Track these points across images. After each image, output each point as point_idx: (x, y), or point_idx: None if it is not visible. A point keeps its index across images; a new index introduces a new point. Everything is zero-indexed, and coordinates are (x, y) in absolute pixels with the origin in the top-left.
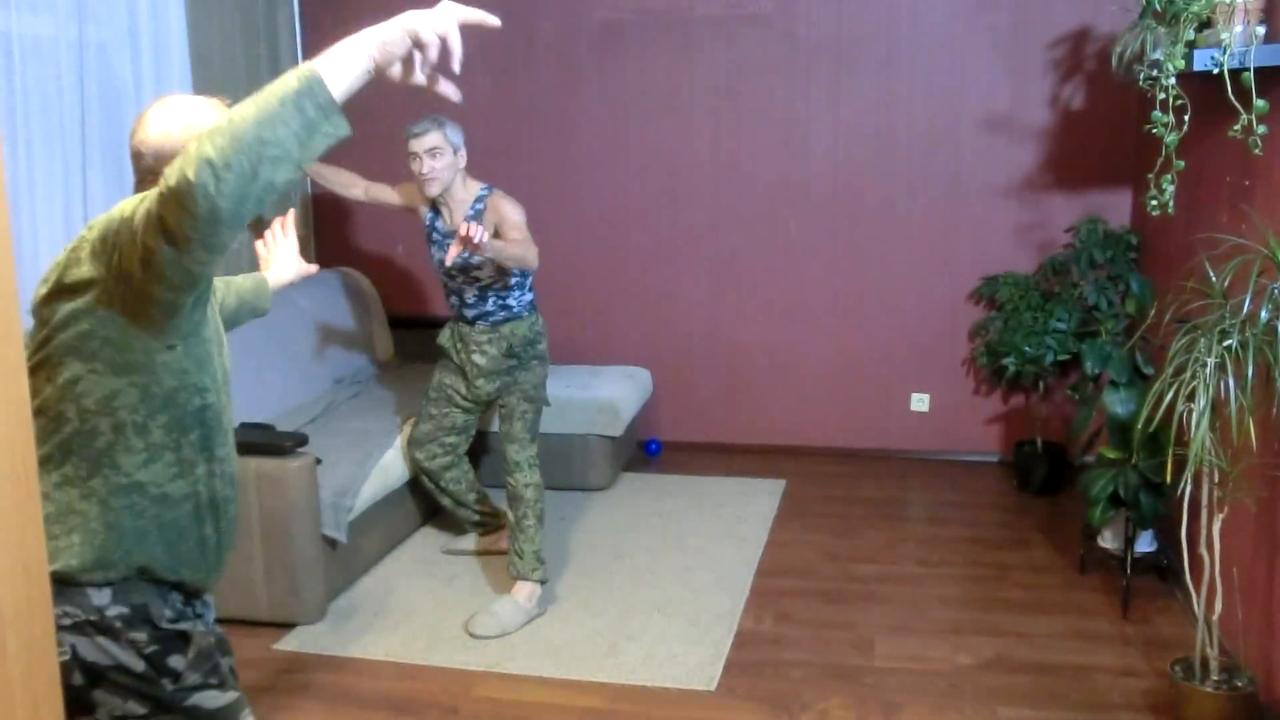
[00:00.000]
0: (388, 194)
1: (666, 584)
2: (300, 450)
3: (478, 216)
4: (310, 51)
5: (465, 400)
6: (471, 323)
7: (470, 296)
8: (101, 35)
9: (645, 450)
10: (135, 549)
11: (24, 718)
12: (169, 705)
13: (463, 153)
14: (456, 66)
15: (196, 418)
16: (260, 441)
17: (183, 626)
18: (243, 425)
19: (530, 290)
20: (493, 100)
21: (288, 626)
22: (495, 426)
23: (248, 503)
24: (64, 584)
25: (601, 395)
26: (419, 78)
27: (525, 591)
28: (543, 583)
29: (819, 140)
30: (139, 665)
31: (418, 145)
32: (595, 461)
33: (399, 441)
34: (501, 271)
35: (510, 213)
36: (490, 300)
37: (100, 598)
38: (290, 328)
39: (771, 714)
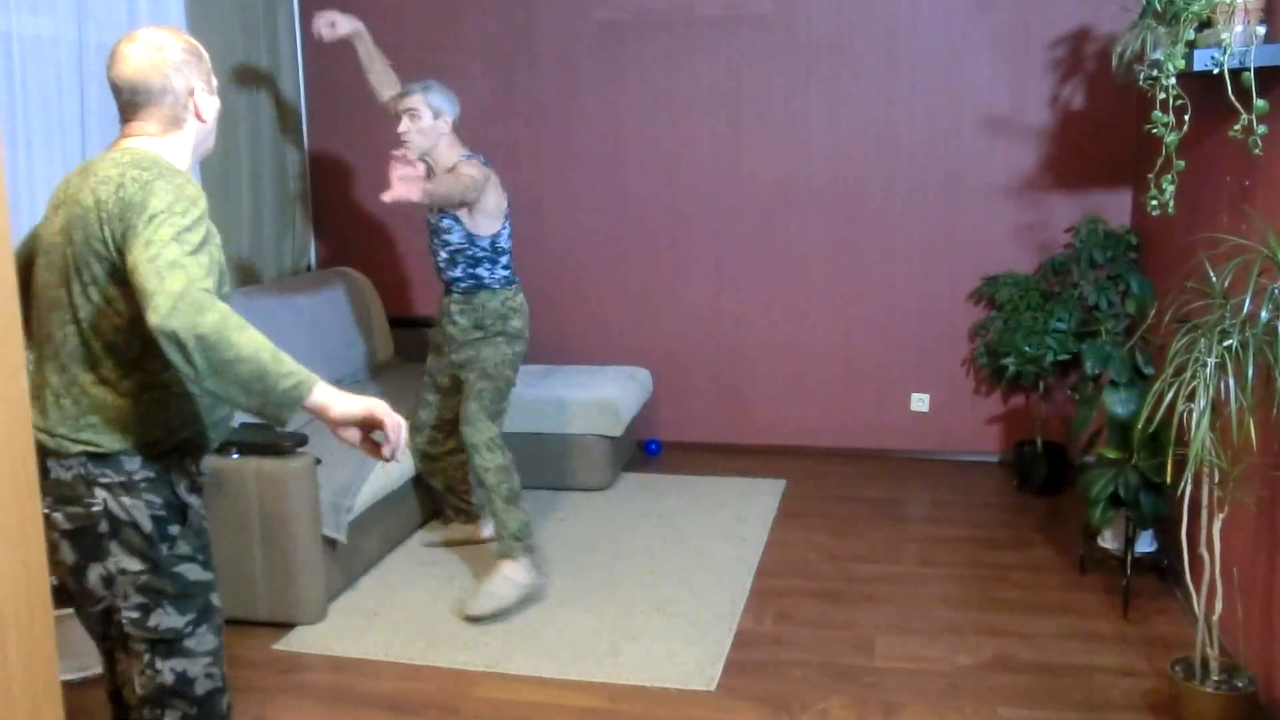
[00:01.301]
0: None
1: (666, 584)
2: (300, 450)
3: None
4: (310, 51)
5: (444, 378)
6: (448, 290)
7: (442, 258)
8: (101, 35)
9: (645, 450)
10: (162, 429)
11: (24, 717)
12: (159, 566)
13: (445, 118)
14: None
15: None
16: (260, 441)
17: (187, 500)
18: (243, 425)
19: (506, 267)
20: (493, 100)
21: (288, 626)
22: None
23: (247, 502)
24: (104, 455)
25: (601, 395)
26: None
27: (510, 567)
28: (529, 553)
29: (819, 140)
30: (148, 525)
31: (400, 105)
32: (595, 461)
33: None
34: (471, 240)
35: (461, 168)
36: (460, 267)
37: (132, 464)
38: (290, 328)
39: (771, 714)
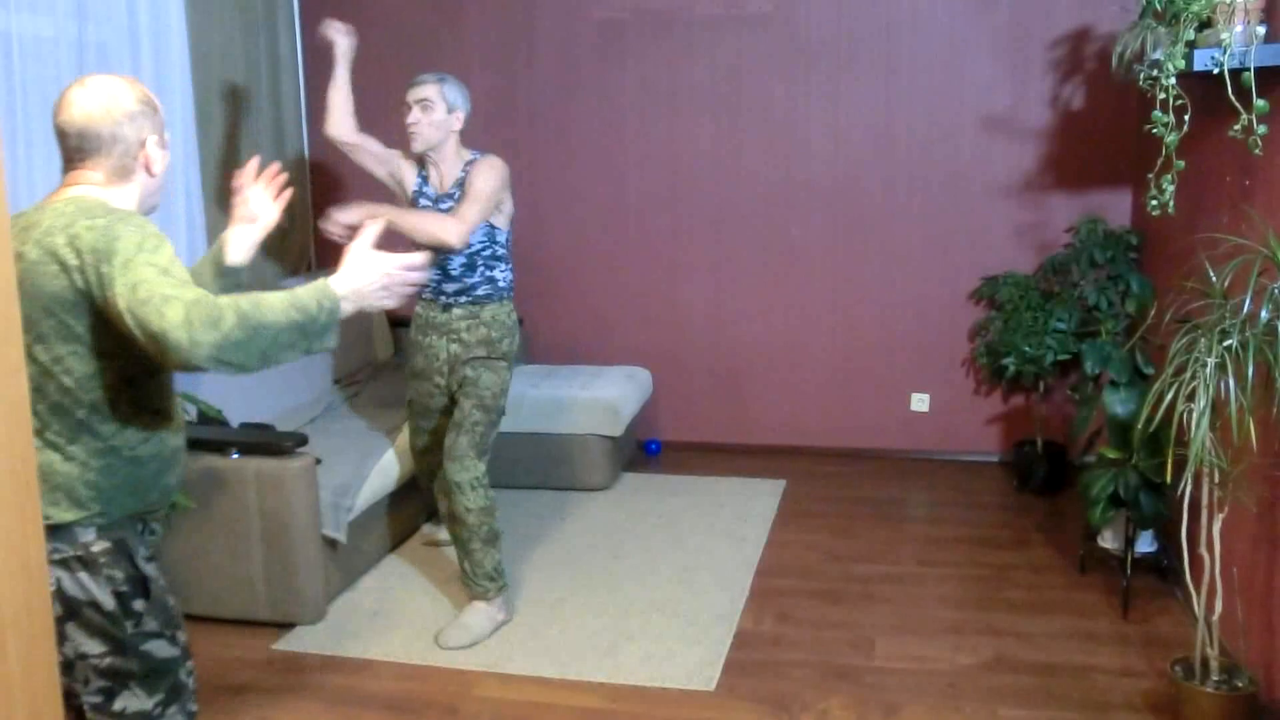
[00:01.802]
0: (374, 146)
1: (666, 584)
2: (300, 450)
3: (461, 184)
4: (310, 51)
5: (438, 400)
6: (449, 305)
7: (456, 267)
8: (101, 35)
9: (645, 450)
10: (113, 501)
11: (24, 717)
12: (125, 647)
13: (459, 114)
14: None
15: (162, 390)
16: (260, 441)
17: (147, 571)
18: (243, 425)
19: (511, 270)
20: (492, 100)
21: (288, 626)
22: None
23: (248, 502)
24: (54, 527)
25: (601, 395)
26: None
27: (484, 606)
28: (503, 592)
29: (819, 140)
30: (110, 603)
31: (411, 96)
32: (595, 461)
33: (399, 441)
34: (492, 236)
35: (477, 179)
36: (479, 270)
37: (86, 535)
38: None
39: (771, 714)
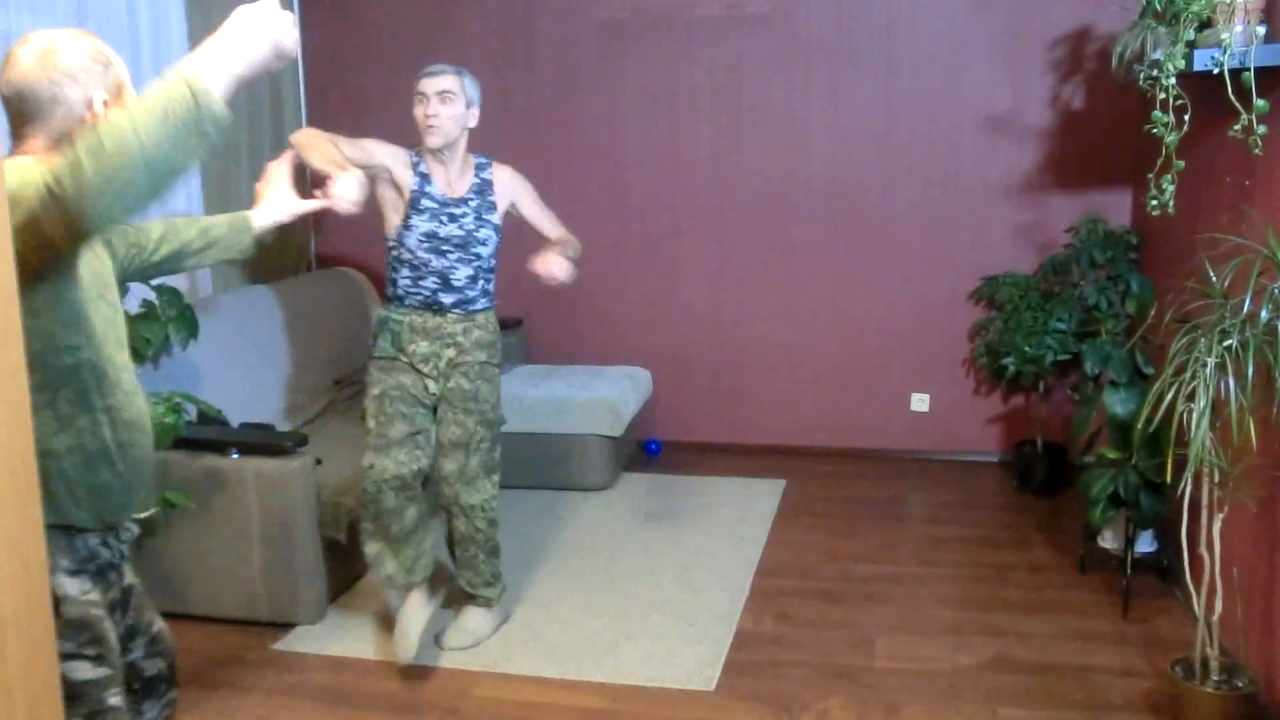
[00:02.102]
0: (350, 151)
1: (666, 584)
2: (300, 450)
3: (485, 189)
4: (310, 51)
5: (431, 391)
6: (442, 311)
7: (460, 279)
8: (101, 35)
9: (645, 450)
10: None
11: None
12: None
13: (475, 111)
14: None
15: (70, 375)
16: (260, 441)
17: (65, 590)
18: (243, 425)
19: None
20: (492, 100)
21: (288, 626)
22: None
23: (247, 502)
24: None
25: (601, 395)
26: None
27: (485, 610)
28: (502, 593)
29: (819, 140)
30: None
31: (429, 86)
32: (595, 461)
33: None
34: (497, 249)
35: (528, 184)
36: (480, 284)
37: None
38: (290, 328)
39: (771, 714)
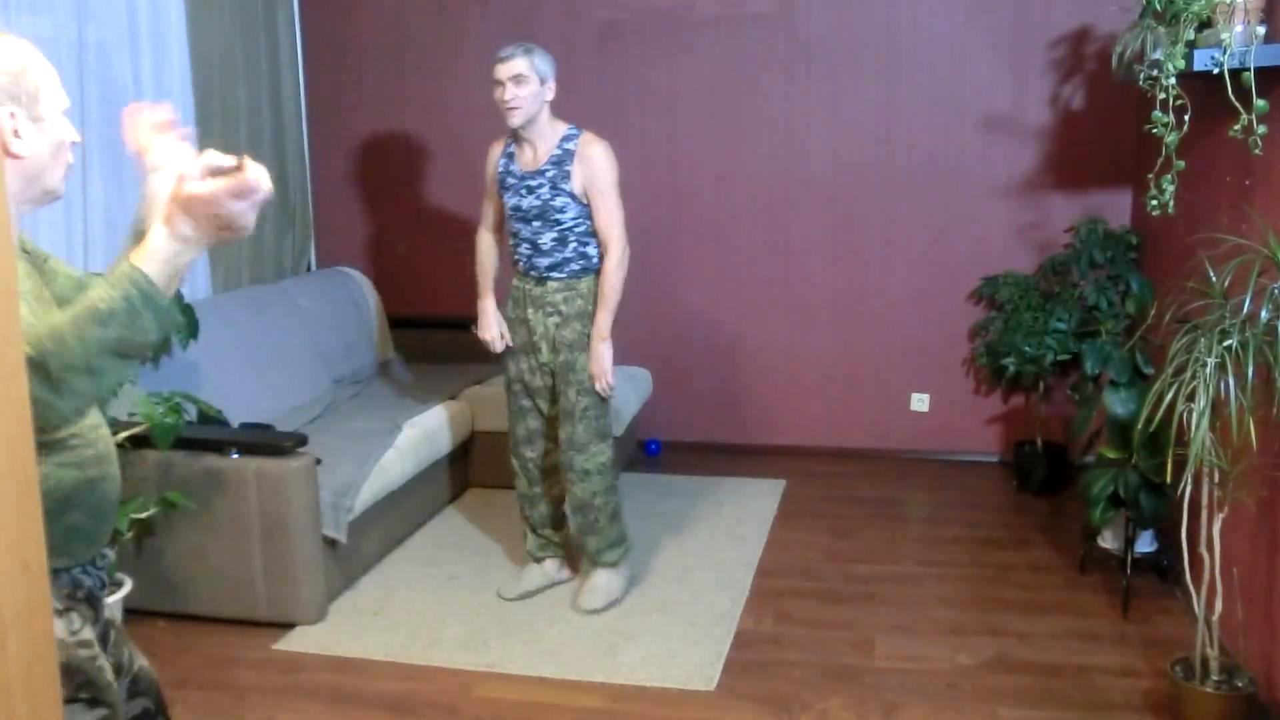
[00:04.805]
0: (490, 210)
1: (666, 584)
2: (300, 450)
3: (565, 159)
4: (311, 52)
5: (538, 379)
6: (544, 279)
7: (547, 242)
8: (101, 35)
9: (645, 450)
10: None
11: (24, 718)
12: None
13: (551, 84)
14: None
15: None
16: (260, 441)
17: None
18: (243, 425)
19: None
20: (492, 100)
21: (288, 626)
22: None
23: (247, 502)
24: None
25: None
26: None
27: (612, 571)
28: (628, 551)
29: (819, 140)
30: None
31: (503, 71)
32: None
33: (399, 441)
34: (586, 213)
35: (602, 168)
36: (570, 245)
37: None
38: (290, 328)
39: (771, 714)
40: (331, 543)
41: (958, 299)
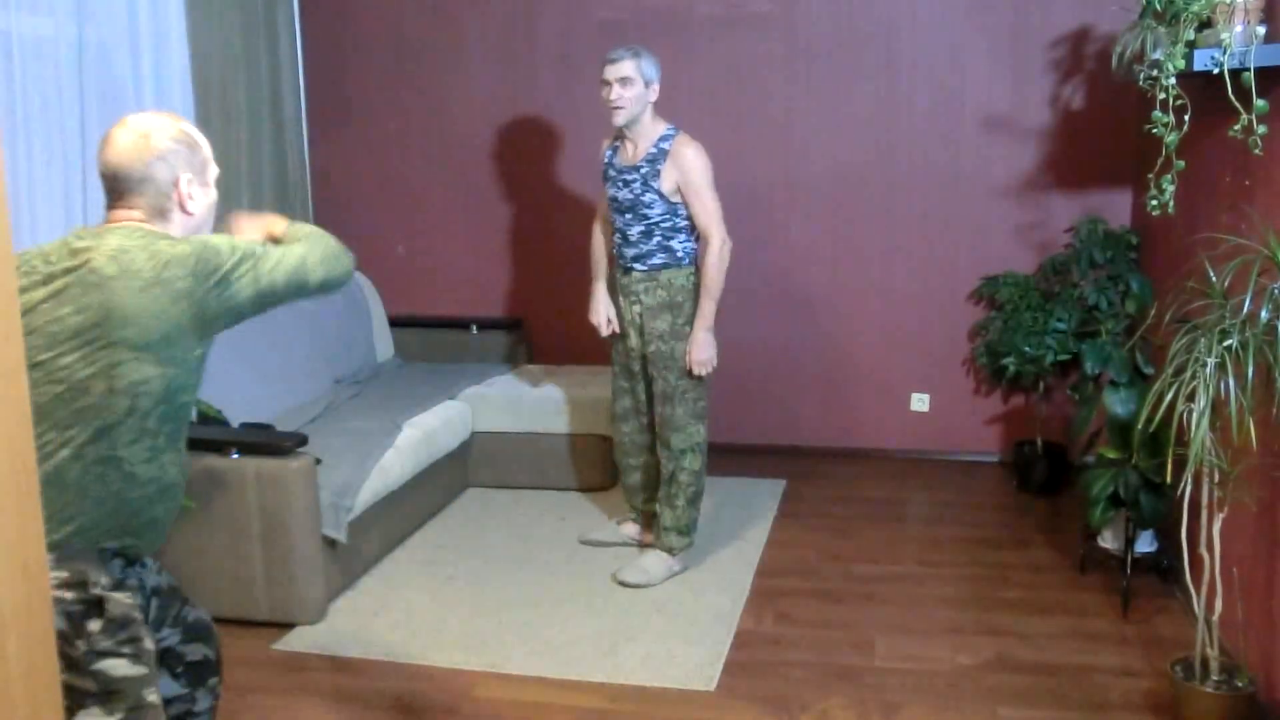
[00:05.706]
0: (603, 201)
1: (666, 584)
2: (300, 450)
3: (658, 158)
4: (311, 52)
5: (635, 363)
6: (629, 269)
7: (634, 233)
8: (101, 35)
9: None
10: (86, 511)
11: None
12: (77, 665)
13: (655, 86)
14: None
15: (182, 412)
16: (260, 441)
17: (100, 593)
18: (243, 425)
19: (693, 241)
20: (492, 100)
21: (288, 626)
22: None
23: (247, 502)
24: None
25: (601, 395)
26: None
27: (668, 556)
28: (688, 546)
29: (819, 140)
30: (61, 622)
31: (611, 73)
32: (595, 461)
33: (399, 441)
34: (674, 210)
35: (695, 167)
36: (655, 239)
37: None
38: (290, 328)
39: (771, 714)
40: (331, 543)
41: (958, 299)
